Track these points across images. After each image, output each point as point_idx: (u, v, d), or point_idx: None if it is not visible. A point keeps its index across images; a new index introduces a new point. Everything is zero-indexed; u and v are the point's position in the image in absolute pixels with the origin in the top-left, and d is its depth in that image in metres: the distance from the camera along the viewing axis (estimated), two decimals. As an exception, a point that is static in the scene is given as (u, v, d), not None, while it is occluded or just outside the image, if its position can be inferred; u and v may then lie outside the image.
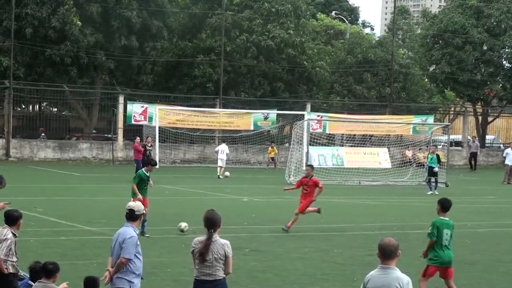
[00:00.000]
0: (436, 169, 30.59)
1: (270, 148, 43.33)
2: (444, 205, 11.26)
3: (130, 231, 8.47)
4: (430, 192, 29.74)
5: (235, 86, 48.35)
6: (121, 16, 43.16)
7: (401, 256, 6.97)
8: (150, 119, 41.23)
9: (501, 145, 55.75)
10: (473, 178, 40.33)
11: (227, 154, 36.30)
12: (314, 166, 20.92)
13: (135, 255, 8.44)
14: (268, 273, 13.57)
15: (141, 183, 17.30)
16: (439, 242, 11.09)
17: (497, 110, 56.06)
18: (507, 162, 37.59)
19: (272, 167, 42.31)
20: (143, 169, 17.84)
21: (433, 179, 30.50)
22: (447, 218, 11.19)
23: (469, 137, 50.30)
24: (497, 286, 13.38)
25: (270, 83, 48.14)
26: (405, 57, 57.74)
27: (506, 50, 53.40)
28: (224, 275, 8.40)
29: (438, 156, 31.12)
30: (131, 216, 8.57)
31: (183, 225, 17.17)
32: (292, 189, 19.55)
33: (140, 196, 16.89)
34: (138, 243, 8.50)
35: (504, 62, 54.45)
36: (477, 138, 49.38)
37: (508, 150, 38.73)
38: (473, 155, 45.69)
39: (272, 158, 42.96)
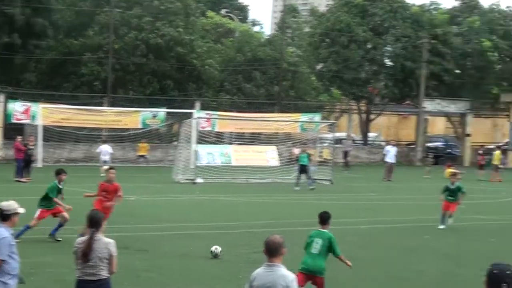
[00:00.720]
0: (313, 168, 31.80)
1: (140, 144, 42.09)
2: (321, 218, 11.17)
3: (2, 231, 8.28)
4: (297, 188, 30.95)
5: (123, 84, 47.77)
6: (3, 13, 41.77)
7: (287, 253, 7.12)
8: (33, 117, 40.16)
9: (383, 143, 57.50)
10: (356, 176, 41.35)
11: (110, 154, 35.93)
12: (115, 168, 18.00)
13: (9, 255, 8.25)
14: (152, 272, 13.52)
15: (51, 196, 16.68)
16: (308, 250, 10.96)
17: (379, 108, 57.71)
18: (387, 159, 38.48)
19: (144, 164, 41.09)
20: (55, 181, 16.99)
21: (304, 176, 31.63)
22: (326, 231, 11.03)
23: (353, 135, 51.61)
24: (379, 283, 13.67)
25: (160, 81, 47.85)
26: (294, 56, 58.76)
27: (389, 48, 55.03)
28: (108, 275, 8.36)
29: (309, 154, 32.43)
30: (1, 215, 8.39)
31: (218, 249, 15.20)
32: (92, 195, 17.07)
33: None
34: (12, 243, 8.30)
35: (387, 60, 56.09)
36: (351, 136, 50.45)
37: (388, 147, 39.79)
38: (344, 153, 45.83)
39: (143, 156, 41.74)
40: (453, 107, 56.79)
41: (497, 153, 41.98)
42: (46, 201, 16.69)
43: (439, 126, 67.38)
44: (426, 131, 57.20)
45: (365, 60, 53.78)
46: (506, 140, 57.52)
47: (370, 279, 13.83)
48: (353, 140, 55.24)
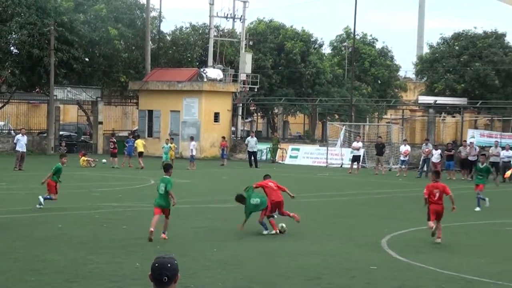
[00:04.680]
0: None
1: None
2: (164, 167, 16.51)
3: None
4: None
5: None
6: None
7: None
8: None
9: (12, 131, 55.59)
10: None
11: None
12: None
13: None
14: None
15: None
16: (158, 191, 16.04)
17: (7, 97, 55.55)
18: (18, 148, 37.64)
19: None
20: None
21: None
22: (167, 176, 16.03)
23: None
24: (9, 272, 12.90)
25: None
26: None
27: (14, 36, 53.04)
28: None
29: None
30: None
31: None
32: None
33: None
34: None
35: (13, 48, 54.09)
36: None
37: (18, 136, 38.87)
38: None
39: None
40: (84, 95, 56.75)
41: (139, 141, 42.97)
42: None
43: (72, 114, 66.98)
44: (59, 119, 56.26)
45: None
46: (136, 127, 59.22)
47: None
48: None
